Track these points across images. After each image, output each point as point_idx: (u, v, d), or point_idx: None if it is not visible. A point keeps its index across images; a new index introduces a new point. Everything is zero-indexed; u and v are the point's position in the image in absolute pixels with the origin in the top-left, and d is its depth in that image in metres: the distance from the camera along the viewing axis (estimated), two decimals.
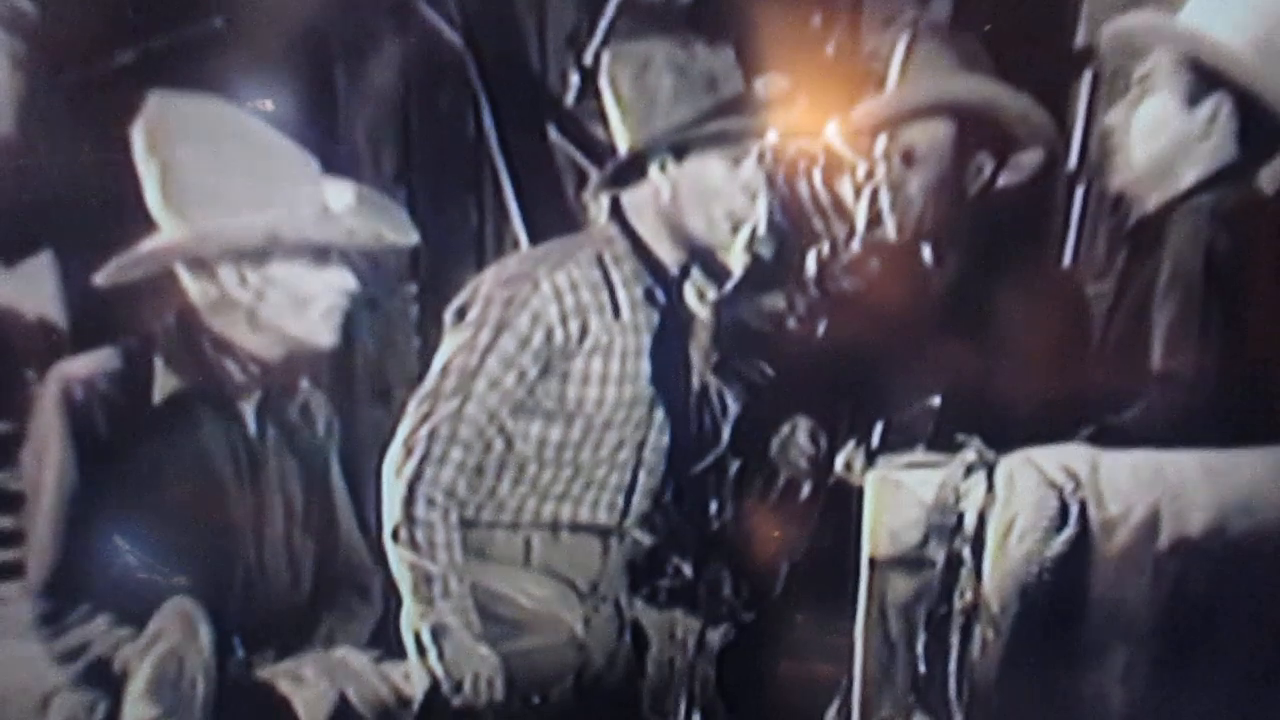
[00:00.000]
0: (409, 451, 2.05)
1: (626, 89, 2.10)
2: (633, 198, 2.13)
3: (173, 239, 2.06)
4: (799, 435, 2.24)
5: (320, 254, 2.09)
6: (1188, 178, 2.01)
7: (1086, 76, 2.45)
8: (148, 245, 2.07)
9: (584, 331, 2.08)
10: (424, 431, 2.05)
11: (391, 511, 2.05)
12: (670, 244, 2.15)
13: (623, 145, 2.13)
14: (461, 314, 2.10)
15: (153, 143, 2.04)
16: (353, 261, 2.15)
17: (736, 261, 2.21)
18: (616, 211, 2.15)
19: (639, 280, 2.13)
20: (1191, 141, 2.00)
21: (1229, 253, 1.92)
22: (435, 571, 2.03)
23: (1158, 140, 2.02)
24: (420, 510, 2.04)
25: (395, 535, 2.05)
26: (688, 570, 2.20)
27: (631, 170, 2.12)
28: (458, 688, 2.03)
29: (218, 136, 2.04)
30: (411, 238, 2.19)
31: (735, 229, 2.14)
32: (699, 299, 2.23)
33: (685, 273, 2.18)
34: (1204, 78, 1.99)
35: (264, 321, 2.08)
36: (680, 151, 2.09)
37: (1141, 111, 2.03)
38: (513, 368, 2.06)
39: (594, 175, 2.18)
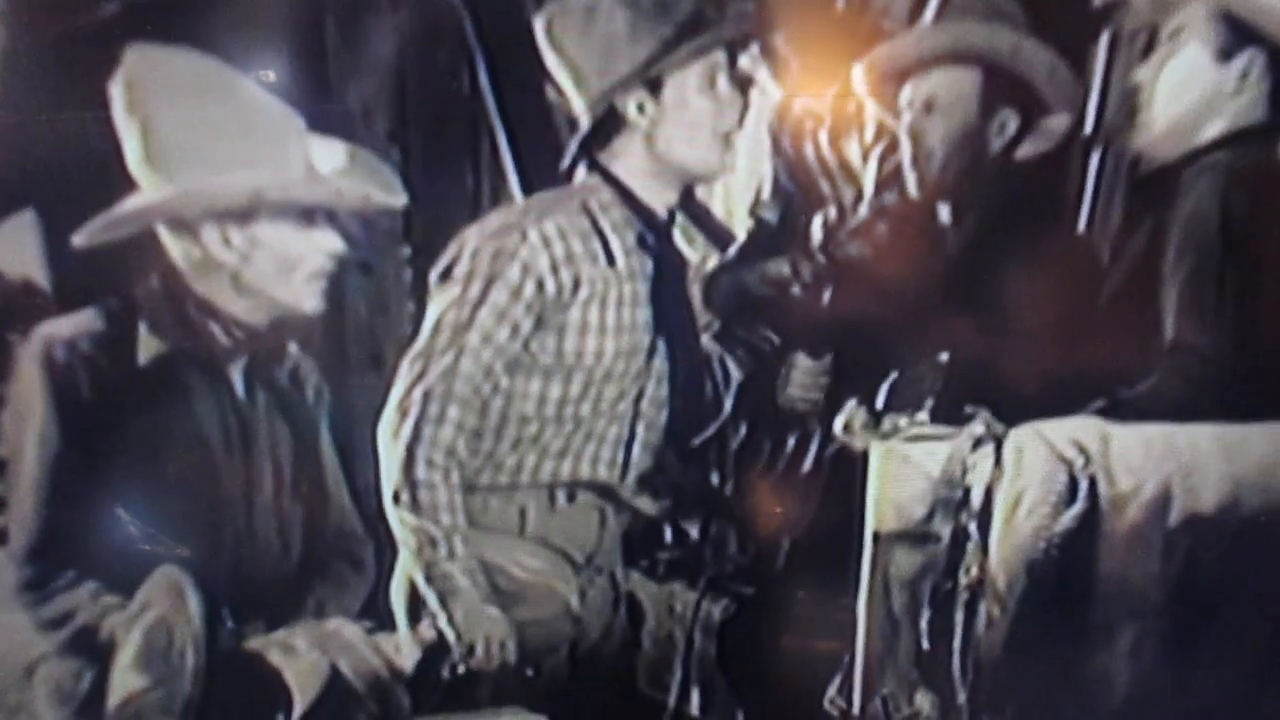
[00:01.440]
0: (404, 413, 2.02)
1: (575, 44, 2.04)
2: (612, 146, 2.08)
3: (154, 198, 2.01)
4: (799, 360, 2.20)
5: (307, 215, 2.04)
6: (1210, 132, 1.97)
7: (1104, 37, 2.39)
8: (128, 205, 2.03)
9: (577, 281, 2.04)
10: (419, 392, 2.01)
11: (390, 474, 2.02)
12: (659, 185, 2.10)
13: (579, 103, 2.08)
14: (448, 272, 2.06)
15: (132, 99, 1.99)
16: (345, 224, 2.11)
17: (740, 226, 2.16)
18: (594, 163, 2.10)
19: (629, 226, 2.09)
20: (1221, 96, 1.97)
21: (1245, 216, 1.89)
22: (439, 534, 2.00)
23: (1186, 96, 1.99)
24: (421, 472, 2.00)
25: (396, 498, 2.02)
26: (693, 531, 2.16)
27: (609, 122, 2.06)
28: (470, 651, 2.01)
29: (200, 93, 1.99)
30: (400, 199, 2.14)
31: (727, 148, 2.09)
32: (691, 248, 2.19)
33: (673, 216, 2.14)
34: (1239, 31, 1.95)
35: (248, 285, 2.04)
36: (655, 86, 2.04)
37: (1172, 67, 2.00)
38: (505, 320, 2.02)
39: (572, 140, 2.11)
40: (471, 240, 2.06)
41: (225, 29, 2.28)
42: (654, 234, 2.10)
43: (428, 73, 2.73)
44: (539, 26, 2.09)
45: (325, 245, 2.05)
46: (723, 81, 2.06)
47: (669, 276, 2.12)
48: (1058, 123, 2.27)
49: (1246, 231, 1.90)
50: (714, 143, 2.07)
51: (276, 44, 2.34)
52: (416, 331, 2.14)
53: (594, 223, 2.06)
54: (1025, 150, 2.29)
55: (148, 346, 2.03)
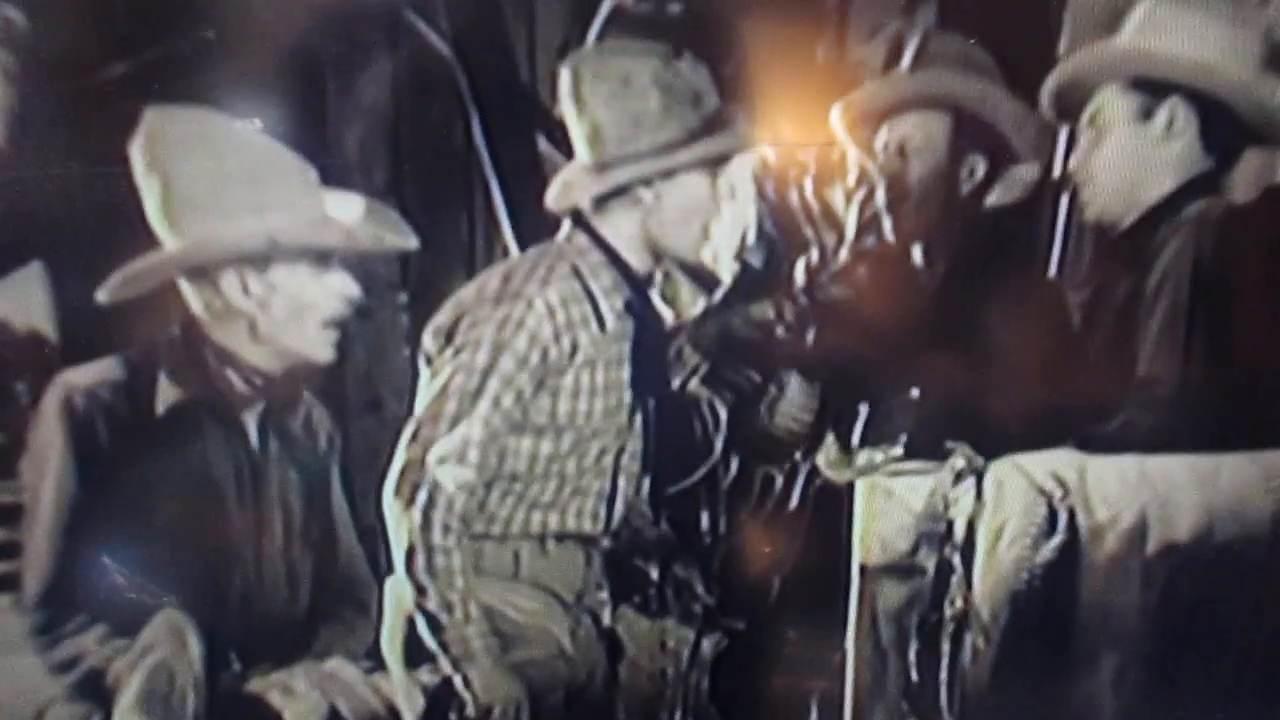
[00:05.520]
0: (419, 480, 2.03)
1: (602, 107, 2.09)
2: (608, 209, 2.13)
3: (173, 250, 2.05)
4: (793, 382, 2.23)
5: (322, 260, 2.07)
6: (1159, 189, 2.04)
7: None
8: (150, 258, 2.06)
9: (575, 347, 2.08)
10: (432, 458, 2.04)
11: (404, 539, 2.03)
12: (642, 252, 2.15)
13: (586, 158, 2.13)
14: (449, 337, 2.09)
15: (152, 157, 2.04)
16: (350, 270, 2.15)
17: (726, 270, 2.22)
18: (581, 221, 2.15)
19: (619, 291, 2.14)
20: (1154, 151, 2.02)
21: (1215, 264, 1.95)
22: (455, 598, 2.02)
23: (1124, 167, 2.05)
24: (437, 538, 2.02)
25: (410, 564, 2.02)
26: (653, 573, 2.20)
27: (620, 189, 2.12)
28: (485, 714, 2.02)
29: (216, 148, 2.04)
30: (411, 241, 2.17)
31: (706, 236, 2.15)
32: (686, 304, 2.25)
33: (651, 278, 2.20)
34: (1153, 90, 2.02)
35: (264, 333, 2.07)
36: (669, 170, 2.10)
37: (1103, 150, 2.05)
38: (511, 387, 2.05)
39: (581, 193, 2.15)
40: (473, 305, 2.09)
41: (228, 87, 2.35)
42: (639, 295, 2.15)
43: (423, 126, 2.79)
44: (565, 72, 2.12)
45: (340, 289, 2.09)
46: (724, 179, 2.12)
47: (649, 333, 2.17)
48: (1028, 172, 2.34)
49: (1216, 276, 1.96)
50: (700, 232, 2.13)
51: (277, 100, 2.40)
52: (414, 377, 2.19)
53: (585, 287, 2.10)
54: (997, 197, 2.37)
55: (166, 395, 2.06)
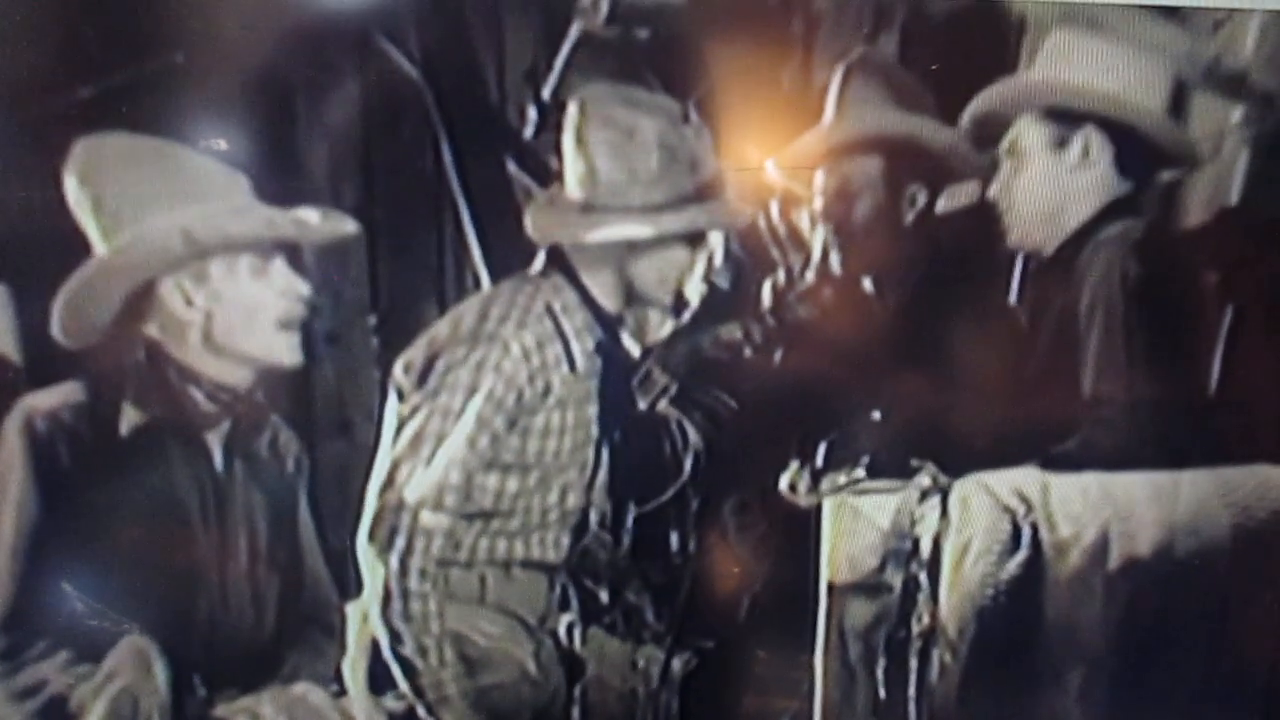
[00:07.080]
0: (395, 526, 2.04)
1: (602, 153, 2.11)
2: (584, 251, 2.15)
3: (93, 262, 2.04)
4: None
5: (260, 256, 2.05)
6: (1079, 215, 2.09)
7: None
8: (79, 275, 2.04)
9: (548, 389, 2.10)
10: (411, 501, 2.04)
11: (380, 584, 2.04)
12: (615, 295, 2.19)
13: (574, 193, 2.15)
14: (423, 377, 2.10)
15: (82, 182, 2.05)
16: (308, 273, 2.14)
17: (694, 292, 2.24)
18: (558, 259, 2.17)
19: (590, 332, 2.16)
20: (1071, 179, 2.09)
21: (1143, 282, 2.00)
22: (430, 643, 2.04)
23: (1043, 195, 2.11)
24: (414, 583, 2.04)
25: (386, 610, 2.04)
26: (603, 596, 2.21)
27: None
28: None
29: (139, 166, 2.04)
30: (348, 227, 2.15)
31: (681, 287, 2.19)
32: (654, 327, 2.27)
33: (621, 319, 2.22)
34: (1066, 119, 2.08)
35: (220, 343, 2.06)
36: (654, 238, 2.12)
37: (1021, 179, 2.11)
38: (487, 430, 2.07)
39: (564, 232, 2.16)
40: (448, 344, 2.10)
41: (197, 110, 2.35)
42: (608, 334, 2.18)
43: (392, 148, 2.81)
44: (573, 106, 2.15)
45: (286, 287, 2.07)
46: (703, 248, 2.16)
47: (616, 370, 2.19)
48: (970, 189, 2.39)
49: (1144, 293, 2.01)
50: (674, 284, 2.17)
51: (246, 123, 2.40)
52: (384, 400, 2.19)
53: (558, 326, 2.12)
54: (943, 206, 2.41)
55: (130, 417, 2.05)
